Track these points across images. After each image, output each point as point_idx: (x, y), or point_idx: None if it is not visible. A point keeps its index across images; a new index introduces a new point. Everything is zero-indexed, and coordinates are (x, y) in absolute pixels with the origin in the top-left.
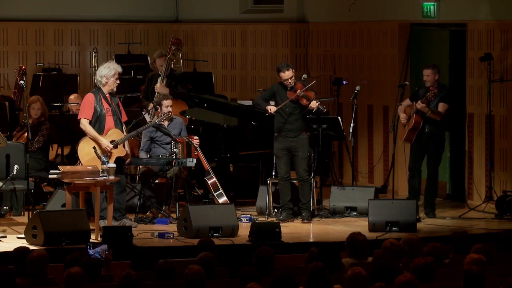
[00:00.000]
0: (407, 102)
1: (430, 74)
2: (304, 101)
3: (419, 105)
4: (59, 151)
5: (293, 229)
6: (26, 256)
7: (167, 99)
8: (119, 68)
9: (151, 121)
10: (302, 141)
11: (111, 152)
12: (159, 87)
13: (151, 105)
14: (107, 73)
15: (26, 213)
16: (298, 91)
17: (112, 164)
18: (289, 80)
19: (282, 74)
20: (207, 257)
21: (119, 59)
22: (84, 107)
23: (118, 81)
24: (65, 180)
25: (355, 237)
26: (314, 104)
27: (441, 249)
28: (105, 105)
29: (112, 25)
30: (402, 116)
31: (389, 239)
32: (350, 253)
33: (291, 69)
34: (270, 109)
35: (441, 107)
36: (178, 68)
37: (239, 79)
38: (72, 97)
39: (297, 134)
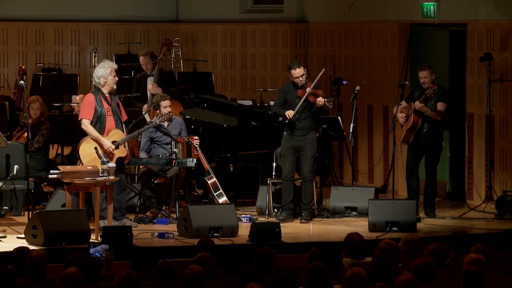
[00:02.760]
0: (403, 104)
1: (427, 75)
2: (312, 98)
3: (418, 105)
4: (59, 151)
5: (293, 229)
6: (26, 256)
7: (165, 100)
8: (114, 65)
9: (151, 122)
10: (310, 140)
11: (113, 153)
12: (152, 87)
13: (145, 107)
14: (104, 72)
15: (26, 213)
16: (308, 88)
17: (112, 164)
18: (300, 78)
19: (293, 71)
20: (204, 257)
21: (119, 59)
22: (84, 108)
23: (116, 78)
24: (65, 180)
25: (351, 237)
26: (320, 100)
27: (444, 249)
28: (105, 105)
29: (112, 25)
30: (400, 116)
31: (385, 240)
32: (347, 253)
33: (302, 67)
34: (289, 115)
35: (440, 106)
36: (178, 68)
37: (239, 79)
38: (77, 97)
39: (306, 133)
